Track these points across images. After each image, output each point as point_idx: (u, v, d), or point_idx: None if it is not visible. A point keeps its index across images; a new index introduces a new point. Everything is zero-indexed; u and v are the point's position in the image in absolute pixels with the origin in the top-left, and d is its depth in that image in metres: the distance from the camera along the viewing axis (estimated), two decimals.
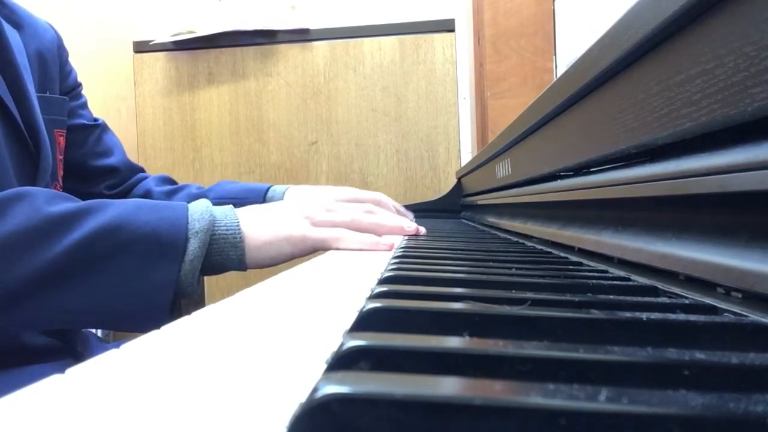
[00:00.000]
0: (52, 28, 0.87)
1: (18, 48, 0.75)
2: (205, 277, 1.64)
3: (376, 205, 0.75)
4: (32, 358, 0.67)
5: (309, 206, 0.66)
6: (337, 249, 0.63)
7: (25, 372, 0.65)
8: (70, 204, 0.54)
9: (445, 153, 1.60)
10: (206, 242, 0.56)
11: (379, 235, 0.65)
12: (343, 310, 0.27)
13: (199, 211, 0.58)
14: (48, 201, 0.53)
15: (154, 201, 0.60)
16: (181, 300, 0.57)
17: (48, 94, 0.80)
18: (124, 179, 0.96)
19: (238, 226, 0.59)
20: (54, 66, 0.84)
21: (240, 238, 0.58)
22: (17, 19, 0.80)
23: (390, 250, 0.63)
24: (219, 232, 0.58)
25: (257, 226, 0.60)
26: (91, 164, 0.91)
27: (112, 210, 0.54)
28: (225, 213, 0.60)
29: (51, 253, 0.51)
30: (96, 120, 0.93)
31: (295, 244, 0.61)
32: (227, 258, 0.58)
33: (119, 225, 0.53)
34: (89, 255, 0.52)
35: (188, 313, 0.27)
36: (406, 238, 0.68)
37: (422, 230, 0.71)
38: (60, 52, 0.87)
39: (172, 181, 1.01)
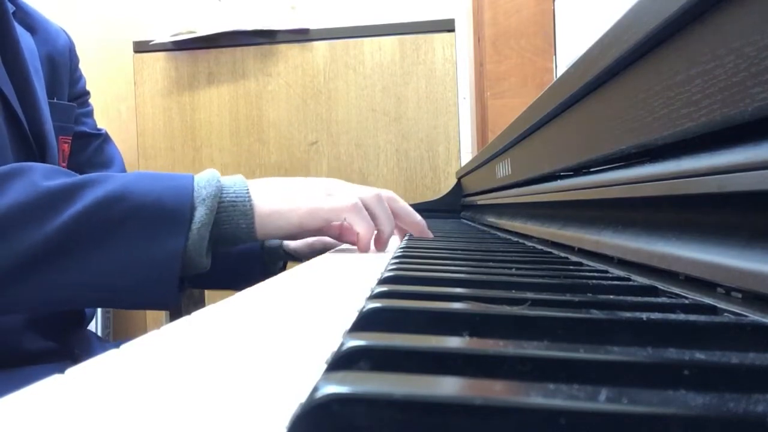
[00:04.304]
0: (65, 34, 0.88)
1: (30, 51, 0.75)
2: None
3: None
4: (32, 360, 0.67)
5: (328, 181, 0.63)
6: (343, 221, 0.61)
7: (24, 373, 0.65)
8: (69, 178, 0.52)
9: (445, 153, 1.60)
10: (214, 209, 0.53)
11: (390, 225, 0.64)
12: (344, 309, 0.27)
13: (206, 178, 0.55)
14: (46, 175, 0.51)
15: (157, 172, 0.58)
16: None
17: (56, 100, 0.80)
18: None
19: (247, 192, 0.56)
20: (64, 71, 0.84)
21: (250, 205, 0.56)
22: (31, 23, 0.80)
23: (365, 251, 0.62)
24: (228, 199, 0.55)
25: (267, 194, 0.58)
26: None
27: (113, 181, 0.52)
28: (234, 180, 0.57)
29: (49, 227, 0.49)
30: (99, 130, 0.93)
31: (303, 216, 0.58)
32: (237, 227, 0.55)
33: (121, 195, 0.51)
34: (90, 227, 0.50)
35: (188, 313, 0.27)
36: (407, 237, 0.68)
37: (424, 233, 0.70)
38: (71, 57, 0.87)
39: None
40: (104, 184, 0.52)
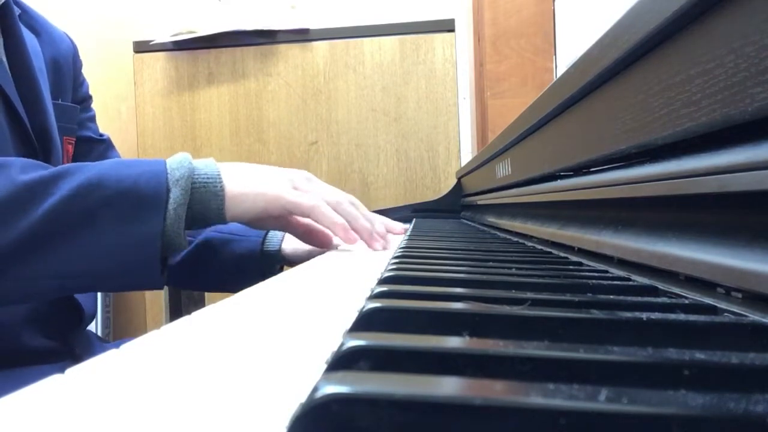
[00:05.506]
0: (69, 38, 0.88)
1: (35, 53, 0.76)
2: None
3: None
4: (32, 359, 0.67)
5: (295, 173, 0.66)
6: (307, 217, 0.63)
7: (24, 373, 0.65)
8: (46, 171, 0.53)
9: (445, 153, 1.60)
10: (188, 190, 0.55)
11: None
12: (344, 309, 0.27)
13: (178, 160, 0.57)
14: (23, 170, 0.52)
15: (130, 159, 0.60)
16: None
17: (60, 101, 0.81)
18: None
19: (218, 174, 0.59)
20: (68, 75, 0.84)
21: (220, 187, 0.58)
22: (36, 26, 0.81)
23: (354, 243, 0.63)
24: (200, 180, 0.57)
25: (236, 177, 0.60)
26: None
27: (89, 170, 0.54)
28: (205, 163, 0.59)
29: (30, 219, 0.50)
30: (102, 135, 0.93)
31: (269, 201, 0.60)
32: (208, 208, 0.58)
33: (97, 183, 0.53)
34: (69, 216, 0.51)
35: (188, 313, 0.27)
36: (406, 237, 0.68)
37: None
38: (75, 61, 0.88)
39: None
40: (80, 174, 0.53)
